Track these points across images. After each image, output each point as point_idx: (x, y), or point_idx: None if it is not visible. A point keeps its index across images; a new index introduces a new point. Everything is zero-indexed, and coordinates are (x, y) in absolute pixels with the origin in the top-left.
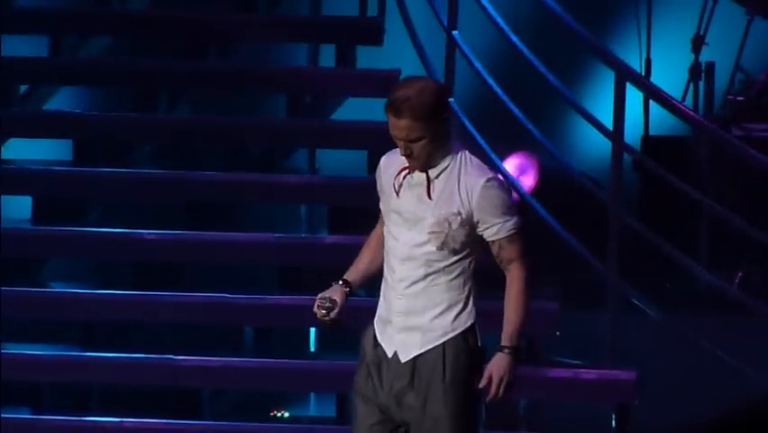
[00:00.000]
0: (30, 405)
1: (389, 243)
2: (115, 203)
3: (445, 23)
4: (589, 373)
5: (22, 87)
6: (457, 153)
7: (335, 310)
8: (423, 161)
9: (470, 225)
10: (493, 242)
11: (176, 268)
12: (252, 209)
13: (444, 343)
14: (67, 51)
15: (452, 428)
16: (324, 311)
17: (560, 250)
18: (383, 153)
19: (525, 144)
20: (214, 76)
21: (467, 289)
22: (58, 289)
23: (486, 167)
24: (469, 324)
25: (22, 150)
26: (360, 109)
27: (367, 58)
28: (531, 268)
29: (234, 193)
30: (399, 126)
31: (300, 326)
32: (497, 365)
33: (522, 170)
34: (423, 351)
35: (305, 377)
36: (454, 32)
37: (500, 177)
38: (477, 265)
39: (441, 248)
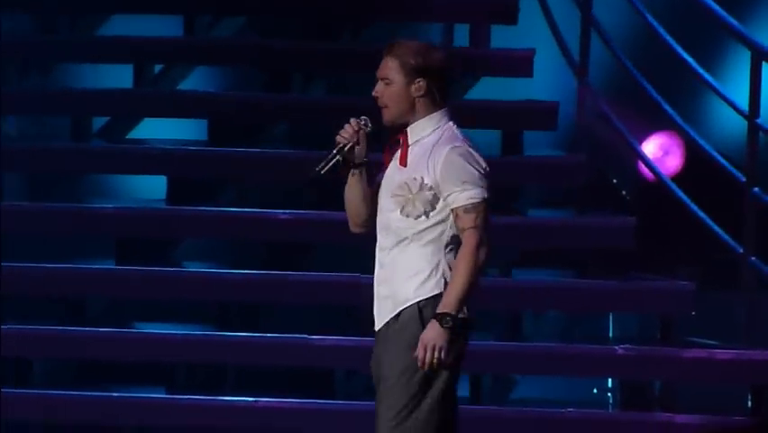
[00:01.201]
0: (165, 385)
1: (377, 216)
2: (249, 183)
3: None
4: (725, 354)
5: (157, 67)
6: (443, 126)
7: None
8: (389, 112)
9: (433, 192)
10: (452, 210)
11: (308, 247)
12: None
13: (403, 310)
14: (201, 31)
15: (393, 392)
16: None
17: (697, 230)
18: (517, 133)
19: (659, 125)
20: (347, 56)
21: (436, 259)
22: (192, 269)
23: (461, 137)
24: (433, 293)
25: (157, 129)
26: (494, 89)
27: (501, 37)
28: (483, 240)
29: None
30: (381, 63)
31: None
32: (427, 333)
33: (666, 151)
34: (388, 319)
35: None
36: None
37: (471, 147)
38: (453, 236)
39: (403, 213)
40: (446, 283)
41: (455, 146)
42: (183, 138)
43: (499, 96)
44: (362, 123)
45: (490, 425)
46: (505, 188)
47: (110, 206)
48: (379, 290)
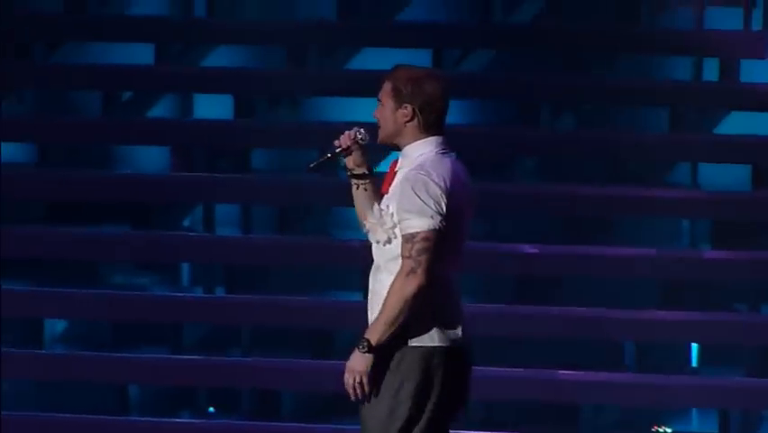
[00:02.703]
0: None
1: None
2: (497, 217)
3: None
4: None
5: None
6: (426, 154)
7: (362, 141)
8: (381, 132)
9: (394, 220)
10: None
11: (557, 280)
12: (632, 223)
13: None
14: (449, 65)
15: (365, 424)
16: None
17: None
18: None
19: None
20: (596, 89)
21: None
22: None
23: (427, 165)
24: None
25: None
26: (743, 123)
27: (750, 71)
28: (414, 270)
29: (615, 206)
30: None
31: (681, 341)
32: (349, 362)
33: None
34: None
35: (686, 392)
36: None
37: (434, 177)
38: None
39: (373, 238)
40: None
41: (411, 175)
42: None
43: (750, 131)
44: (358, 134)
45: None
46: (757, 223)
47: (358, 238)
48: (368, 316)
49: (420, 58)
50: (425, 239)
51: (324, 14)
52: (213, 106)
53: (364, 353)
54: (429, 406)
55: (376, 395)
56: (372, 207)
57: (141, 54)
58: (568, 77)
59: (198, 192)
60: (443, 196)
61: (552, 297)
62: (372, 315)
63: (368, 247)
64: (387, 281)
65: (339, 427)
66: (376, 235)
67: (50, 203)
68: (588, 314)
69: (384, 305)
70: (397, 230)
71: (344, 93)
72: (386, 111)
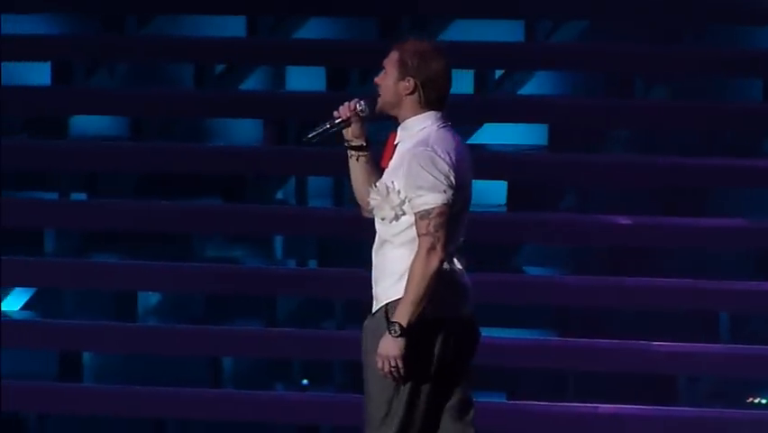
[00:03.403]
0: (506, 390)
1: None
2: (590, 188)
3: None
4: None
5: (497, 73)
6: (428, 129)
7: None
8: (380, 100)
9: (401, 196)
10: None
11: (649, 253)
12: (726, 194)
13: (377, 310)
14: (541, 36)
15: (370, 397)
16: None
17: None
18: None
19: None
20: (689, 60)
21: (409, 261)
22: (533, 273)
23: (431, 140)
24: (401, 295)
25: (498, 135)
26: None
27: None
28: (434, 247)
29: (709, 177)
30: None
31: None
32: (381, 344)
33: None
34: (368, 320)
35: None
36: None
37: (440, 152)
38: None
39: (378, 216)
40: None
41: (418, 151)
42: (524, 143)
43: None
44: (359, 106)
45: None
46: None
47: None
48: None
49: (513, 29)
50: (441, 214)
51: None
52: (305, 79)
53: (396, 337)
54: (432, 374)
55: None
56: (369, 181)
57: (234, 27)
58: (661, 48)
59: (291, 165)
60: (451, 171)
61: (645, 268)
62: (377, 288)
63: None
64: (392, 254)
65: None
66: (382, 212)
67: (143, 176)
68: (682, 285)
69: (409, 285)
70: (405, 207)
71: None
72: (388, 80)
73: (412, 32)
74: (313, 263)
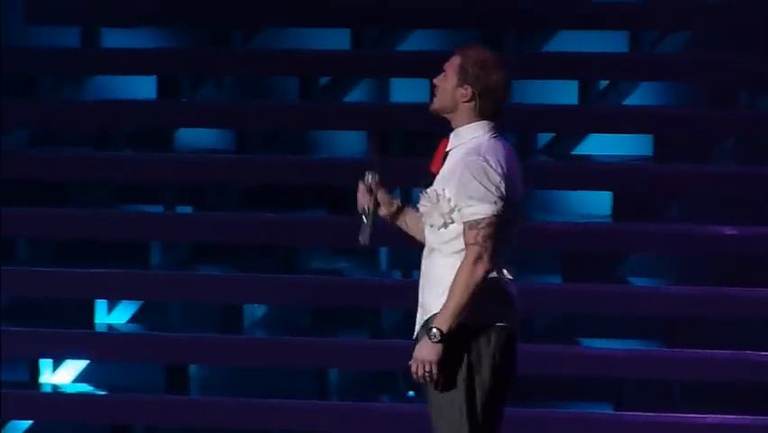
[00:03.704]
0: (611, 401)
1: None
2: (695, 198)
3: None
4: None
5: (602, 83)
6: (480, 138)
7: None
8: (436, 101)
9: (452, 204)
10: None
11: (755, 262)
12: None
13: (428, 319)
14: (646, 47)
15: (435, 409)
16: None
17: None
18: None
19: None
20: None
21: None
22: (638, 284)
23: (482, 149)
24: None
25: (602, 145)
26: None
27: None
28: (481, 257)
29: None
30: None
31: None
32: (417, 349)
33: None
34: (418, 328)
35: None
36: None
37: (491, 162)
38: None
39: (427, 223)
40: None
41: (470, 160)
42: (628, 154)
43: None
44: (367, 180)
45: None
46: None
47: (556, 221)
48: (419, 297)
49: (617, 39)
50: (490, 225)
51: None
52: (409, 91)
53: (435, 343)
54: (488, 383)
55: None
56: (418, 221)
57: (338, 39)
58: (763, 56)
59: (395, 176)
60: (502, 182)
61: (751, 278)
62: (424, 297)
63: (567, 231)
64: (440, 263)
65: (535, 410)
66: (431, 220)
67: (247, 188)
68: None
69: (452, 292)
70: (454, 215)
71: (540, 75)
72: (447, 84)
73: (515, 43)
74: (417, 274)
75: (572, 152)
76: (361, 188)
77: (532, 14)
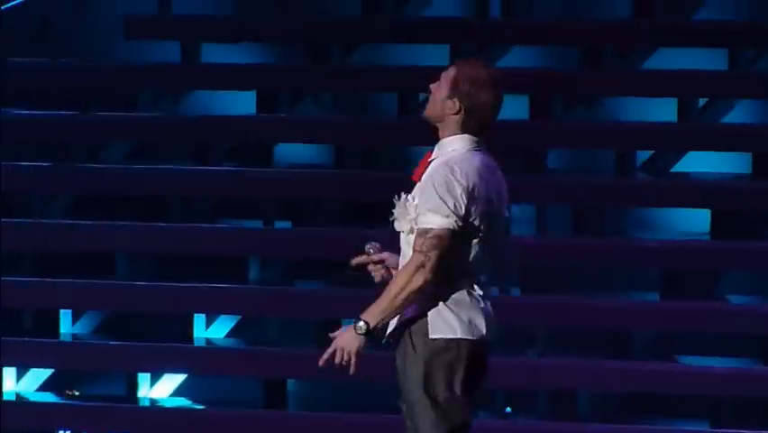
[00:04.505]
0: (709, 419)
1: None
2: None
3: None
4: None
5: (701, 101)
6: (459, 150)
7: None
8: (428, 108)
9: (417, 210)
10: None
11: None
12: None
13: (395, 327)
14: (744, 64)
15: (413, 416)
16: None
17: None
18: None
19: None
20: None
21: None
22: (737, 302)
23: (455, 161)
24: (417, 312)
25: (701, 163)
26: None
27: None
28: (424, 266)
29: None
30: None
31: None
32: (340, 336)
33: None
34: (387, 334)
35: None
36: None
37: (457, 175)
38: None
39: (398, 227)
40: (431, 303)
41: (436, 171)
42: (726, 171)
43: None
44: (371, 250)
45: None
46: None
47: (655, 239)
48: None
49: (715, 58)
50: (437, 237)
51: (620, 14)
52: (508, 107)
53: (359, 334)
54: (451, 393)
55: (408, 382)
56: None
57: (437, 55)
58: None
59: None
60: (463, 195)
61: None
62: None
63: (665, 249)
64: None
65: (637, 426)
66: (400, 225)
67: (346, 204)
68: None
69: (388, 291)
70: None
71: (639, 93)
72: (439, 93)
73: (616, 61)
74: (516, 291)
75: (671, 170)
76: (371, 264)
77: (631, 31)
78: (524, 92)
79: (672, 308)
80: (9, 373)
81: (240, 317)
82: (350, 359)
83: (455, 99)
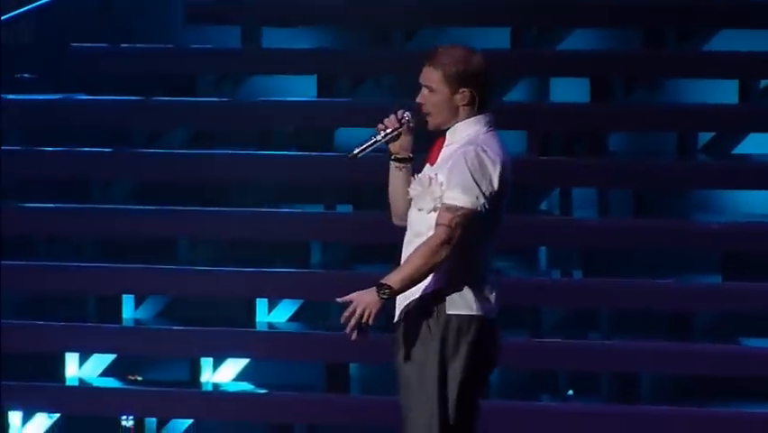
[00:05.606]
0: None
1: None
2: None
3: None
4: None
5: (762, 83)
6: (479, 130)
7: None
8: (434, 120)
9: (443, 188)
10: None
11: None
12: None
13: (409, 304)
14: None
15: (414, 396)
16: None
17: None
18: None
19: None
20: None
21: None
22: None
23: (482, 141)
24: (433, 289)
25: (763, 145)
26: None
27: None
28: (450, 241)
29: None
30: (424, 71)
31: None
32: (359, 295)
33: None
34: (398, 313)
35: None
36: None
37: (487, 156)
38: (461, 236)
39: (416, 207)
40: (449, 280)
41: (467, 150)
42: None
43: None
44: (406, 116)
45: None
46: None
47: (717, 221)
48: None
49: None
50: (465, 216)
51: None
52: (569, 89)
53: (383, 297)
54: (462, 375)
55: (418, 359)
56: (407, 189)
57: (498, 38)
58: None
59: (555, 176)
60: (495, 177)
61: None
62: None
63: (726, 231)
64: None
65: (699, 409)
66: (421, 203)
67: None
68: None
69: (410, 261)
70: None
71: (700, 75)
72: (438, 97)
73: (675, 42)
74: (578, 274)
75: (732, 152)
76: (393, 116)
77: (692, 13)
78: (585, 74)
79: (734, 289)
80: (72, 358)
81: (302, 301)
82: (368, 317)
83: (462, 89)
